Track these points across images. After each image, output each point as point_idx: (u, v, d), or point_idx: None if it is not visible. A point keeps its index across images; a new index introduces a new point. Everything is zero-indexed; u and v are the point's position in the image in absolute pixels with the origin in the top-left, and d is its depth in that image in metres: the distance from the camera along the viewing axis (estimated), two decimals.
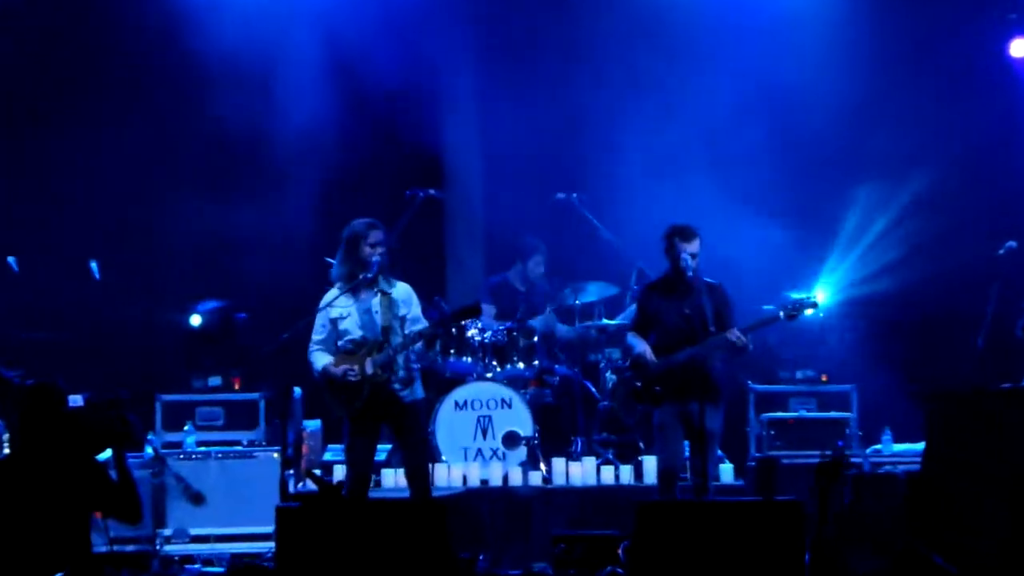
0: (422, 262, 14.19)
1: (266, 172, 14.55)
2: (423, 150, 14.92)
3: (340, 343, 10.99)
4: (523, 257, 13.94)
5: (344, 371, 10.86)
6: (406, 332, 10.91)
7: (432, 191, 14.18)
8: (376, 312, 10.93)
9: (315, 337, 11.01)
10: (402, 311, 10.95)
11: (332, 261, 11.32)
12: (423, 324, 10.89)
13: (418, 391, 11.07)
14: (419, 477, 11.11)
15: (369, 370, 10.71)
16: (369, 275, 10.86)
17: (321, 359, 10.99)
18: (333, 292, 10.96)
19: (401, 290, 10.98)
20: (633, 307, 12.35)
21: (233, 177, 14.57)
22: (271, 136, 14.35)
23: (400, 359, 10.86)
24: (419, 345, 10.86)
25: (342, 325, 10.96)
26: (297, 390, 13.02)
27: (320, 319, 11.00)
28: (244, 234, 14.25)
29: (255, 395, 13.51)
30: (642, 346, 11.25)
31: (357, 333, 10.92)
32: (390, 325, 10.88)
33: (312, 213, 14.40)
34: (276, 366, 11.78)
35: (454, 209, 15.33)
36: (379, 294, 10.85)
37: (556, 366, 13.96)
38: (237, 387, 13.52)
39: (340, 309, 10.91)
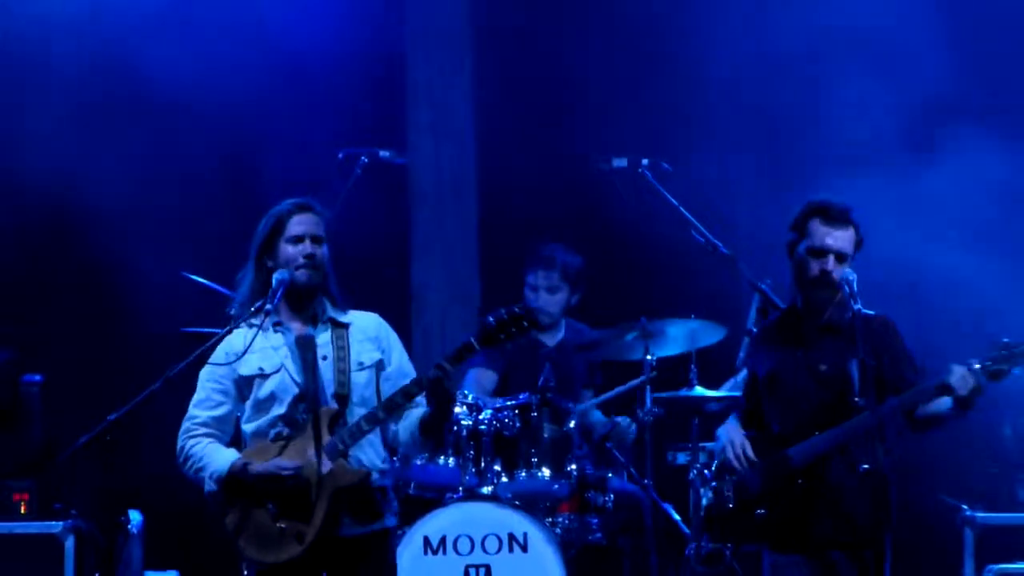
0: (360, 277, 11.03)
1: None
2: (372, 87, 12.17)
3: (260, 422, 8.27)
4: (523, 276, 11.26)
5: (282, 469, 8.18)
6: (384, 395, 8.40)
7: (384, 153, 11.27)
8: (325, 359, 8.40)
9: (199, 414, 8.32)
10: (368, 357, 8.37)
11: (206, 283, 10.18)
12: (411, 375, 8.43)
13: (390, 511, 8.38)
14: None
15: (325, 464, 8.06)
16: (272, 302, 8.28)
17: (220, 454, 8.27)
18: (239, 335, 8.38)
19: (366, 322, 8.54)
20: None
21: None
22: None
23: (377, 441, 8.36)
24: (412, 421, 8.27)
25: (264, 389, 8.31)
26: (135, 516, 10.65)
27: (211, 382, 8.37)
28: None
29: (56, 526, 10.78)
30: (733, 434, 8.68)
31: (291, 395, 8.31)
32: (348, 381, 8.31)
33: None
34: (96, 473, 9.54)
35: (425, 187, 12.25)
36: (329, 327, 8.41)
37: (610, 475, 10.91)
38: (24, 511, 11.00)
39: (258, 360, 8.31)
